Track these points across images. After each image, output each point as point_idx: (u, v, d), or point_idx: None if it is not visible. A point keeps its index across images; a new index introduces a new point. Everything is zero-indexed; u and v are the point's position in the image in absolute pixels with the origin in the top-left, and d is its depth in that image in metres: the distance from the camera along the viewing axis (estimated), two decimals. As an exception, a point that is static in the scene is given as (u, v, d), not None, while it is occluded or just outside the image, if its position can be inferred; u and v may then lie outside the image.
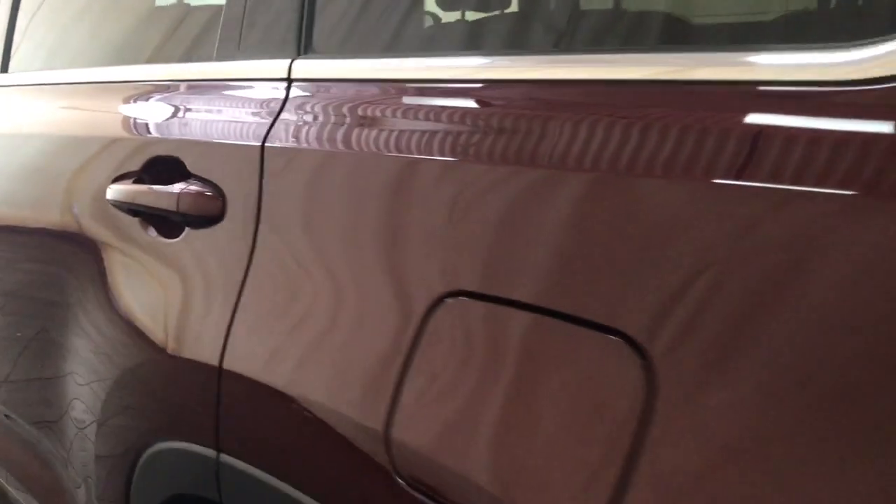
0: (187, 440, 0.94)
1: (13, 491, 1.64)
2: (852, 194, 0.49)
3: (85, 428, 1.15)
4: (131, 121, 1.17)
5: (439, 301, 0.68)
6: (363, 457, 0.71)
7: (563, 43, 0.79)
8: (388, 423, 0.69)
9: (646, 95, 0.63)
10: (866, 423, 0.47)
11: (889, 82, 0.50)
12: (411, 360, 0.69)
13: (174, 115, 1.06)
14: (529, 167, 0.65)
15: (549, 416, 0.59)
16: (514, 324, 0.64)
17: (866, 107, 0.51)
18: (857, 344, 0.48)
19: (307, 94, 0.89)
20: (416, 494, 0.67)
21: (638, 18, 0.81)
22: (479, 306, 0.66)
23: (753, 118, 0.56)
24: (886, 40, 0.51)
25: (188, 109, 1.05)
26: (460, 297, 0.67)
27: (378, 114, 0.81)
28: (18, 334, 1.39)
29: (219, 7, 1.07)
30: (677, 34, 0.75)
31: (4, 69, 1.61)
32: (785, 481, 0.49)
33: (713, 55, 0.62)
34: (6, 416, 1.47)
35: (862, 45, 0.52)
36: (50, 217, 1.28)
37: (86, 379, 1.14)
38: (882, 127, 0.51)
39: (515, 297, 0.63)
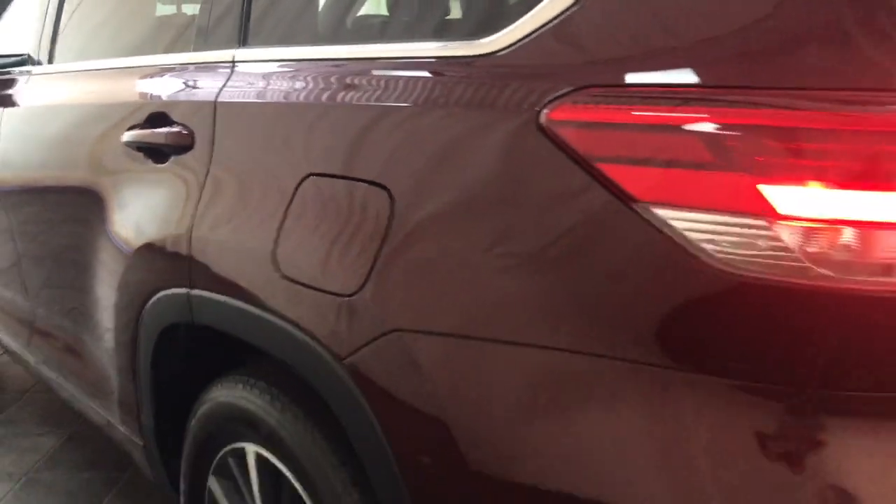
0: (172, 287, 1.51)
1: (59, 380, 2.23)
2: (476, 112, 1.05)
3: (107, 297, 1.73)
4: (137, 92, 1.75)
5: (304, 179, 1.25)
6: (256, 264, 1.28)
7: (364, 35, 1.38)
8: (275, 247, 1.27)
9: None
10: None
11: (495, 55, 1.06)
12: (287, 216, 1.26)
13: (165, 86, 1.64)
14: (338, 103, 1.23)
15: (330, 227, 1.17)
16: (333, 187, 1.21)
17: (483, 65, 1.07)
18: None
19: (242, 71, 1.46)
20: (290, 283, 1.24)
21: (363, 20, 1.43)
22: (321, 180, 1.23)
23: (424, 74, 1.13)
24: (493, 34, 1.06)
25: (173, 82, 1.63)
26: (312, 177, 1.24)
27: (276, 82, 1.38)
28: (55, 248, 1.99)
29: (195, 16, 1.65)
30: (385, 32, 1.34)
31: (51, 60, 2.21)
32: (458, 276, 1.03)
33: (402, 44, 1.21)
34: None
35: (482, 37, 1.08)
36: (82, 160, 1.86)
37: (108, 264, 1.72)
38: (486, 73, 1.06)
39: (334, 171, 1.20)
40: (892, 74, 0.80)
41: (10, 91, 2.33)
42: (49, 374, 2.30)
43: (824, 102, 0.81)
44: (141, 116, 1.63)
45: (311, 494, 1.32)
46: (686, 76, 0.90)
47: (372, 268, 1.12)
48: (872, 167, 0.79)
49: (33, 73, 2.26)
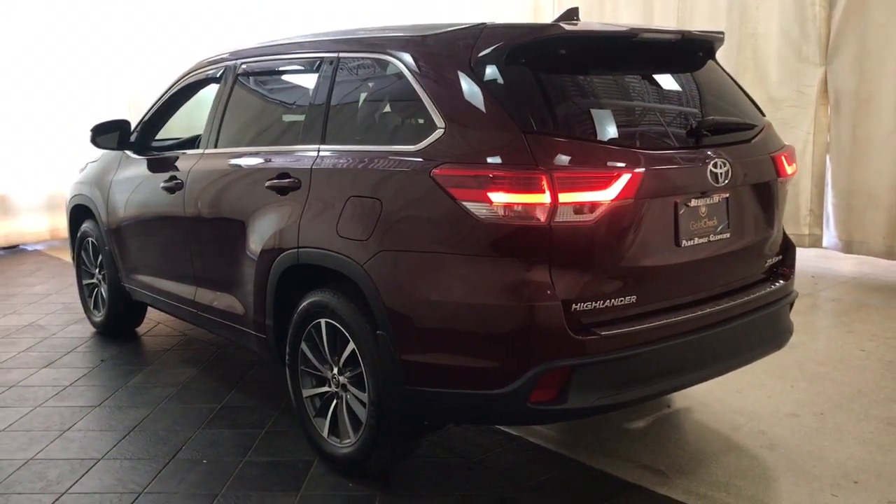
0: (289, 249, 3.38)
1: (212, 318, 4.11)
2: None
3: (254, 260, 3.61)
4: (274, 162, 3.65)
5: (348, 199, 3.13)
6: (327, 233, 3.17)
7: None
8: (336, 225, 3.15)
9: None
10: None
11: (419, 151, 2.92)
12: (342, 213, 3.14)
13: (287, 159, 3.55)
14: (359, 168, 3.14)
15: (358, 216, 3.05)
16: (359, 200, 3.09)
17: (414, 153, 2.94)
18: None
19: (322, 154, 3.37)
20: (342, 238, 3.11)
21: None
22: (354, 198, 3.11)
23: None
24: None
25: (291, 157, 3.54)
26: (351, 198, 3.12)
27: (336, 160, 3.29)
28: (221, 246, 3.89)
29: (301, 122, 3.59)
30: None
31: (217, 145, 4.14)
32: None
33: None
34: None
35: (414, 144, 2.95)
36: (242, 198, 3.78)
37: (256, 245, 3.60)
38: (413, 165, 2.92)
39: (359, 194, 3.08)
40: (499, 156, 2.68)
41: (192, 161, 4.27)
42: (206, 316, 4.17)
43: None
44: (274, 174, 3.53)
45: (349, 331, 3.15)
46: (475, 159, 2.77)
47: (373, 230, 2.97)
48: (504, 187, 2.66)
49: (206, 152, 4.19)
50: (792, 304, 3.55)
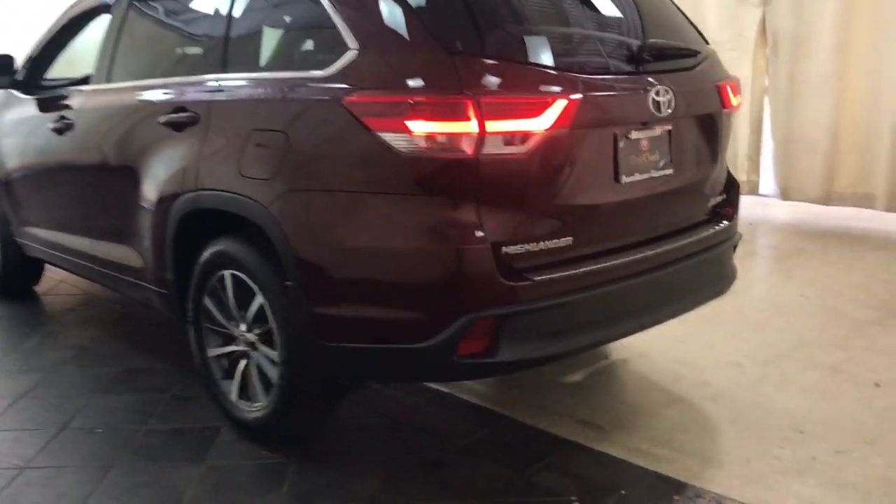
0: (188, 192, 3.00)
1: (109, 274, 3.71)
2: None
3: (150, 207, 3.21)
4: (168, 95, 3.24)
5: (250, 132, 2.76)
6: (229, 172, 2.79)
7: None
8: (239, 163, 2.78)
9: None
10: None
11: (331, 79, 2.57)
12: (244, 149, 2.77)
13: (183, 92, 3.14)
14: (264, 98, 2.76)
15: (262, 152, 2.69)
16: (263, 134, 2.73)
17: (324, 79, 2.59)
18: None
19: (223, 85, 2.98)
20: (245, 178, 2.75)
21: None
22: (257, 132, 2.74)
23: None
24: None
25: (188, 90, 3.13)
26: (254, 131, 2.75)
27: (237, 91, 2.90)
28: (114, 189, 3.48)
29: (198, 53, 3.17)
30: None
31: (109, 80, 3.70)
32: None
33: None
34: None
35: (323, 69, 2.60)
36: (135, 135, 3.36)
37: (152, 188, 3.21)
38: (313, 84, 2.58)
39: (263, 127, 2.72)
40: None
41: (82, 98, 3.81)
42: (103, 271, 3.76)
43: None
44: (169, 108, 3.13)
45: (257, 283, 2.81)
46: (392, 83, 2.43)
47: (279, 168, 2.62)
48: (426, 115, 2.34)
49: (97, 88, 3.75)
50: (735, 247, 3.34)
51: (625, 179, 2.71)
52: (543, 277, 2.49)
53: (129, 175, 3.36)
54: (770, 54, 6.56)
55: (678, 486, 2.68)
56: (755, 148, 6.77)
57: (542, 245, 2.52)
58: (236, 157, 2.79)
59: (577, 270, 2.56)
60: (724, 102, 3.09)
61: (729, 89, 3.11)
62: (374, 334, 2.54)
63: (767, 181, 6.83)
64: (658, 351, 3.80)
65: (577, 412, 3.22)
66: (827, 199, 6.36)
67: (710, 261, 3.09)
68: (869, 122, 6.10)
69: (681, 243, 2.94)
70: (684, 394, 3.41)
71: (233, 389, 3.07)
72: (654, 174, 2.82)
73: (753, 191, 6.80)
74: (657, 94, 2.73)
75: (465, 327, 2.41)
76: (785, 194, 6.63)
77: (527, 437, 3.04)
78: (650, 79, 2.75)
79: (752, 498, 2.61)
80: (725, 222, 3.21)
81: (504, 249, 2.45)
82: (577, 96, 2.50)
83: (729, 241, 3.22)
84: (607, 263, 2.66)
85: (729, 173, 3.34)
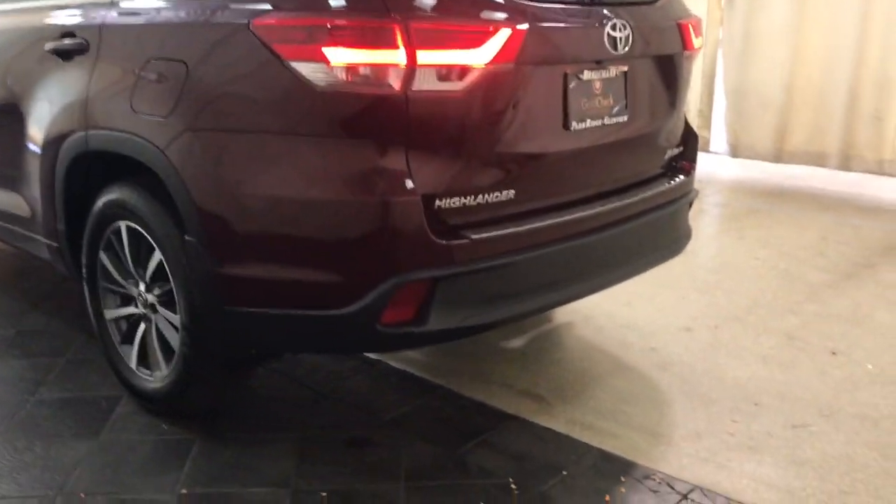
0: (77, 132, 2.60)
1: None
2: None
3: (37, 148, 2.80)
4: (56, 20, 2.81)
5: (147, 61, 2.37)
6: (121, 108, 2.40)
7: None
8: (131, 97, 2.38)
9: None
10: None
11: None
12: (137, 80, 2.38)
13: (72, 17, 2.72)
14: (163, 22, 2.36)
15: (157, 84, 2.30)
16: (160, 63, 2.33)
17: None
18: None
19: (116, 9, 2.56)
20: (138, 114, 2.36)
21: None
22: (154, 61, 2.35)
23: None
24: None
25: (77, 14, 2.70)
26: (151, 60, 2.36)
27: (131, 17, 2.49)
28: None
29: None
30: None
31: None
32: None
33: None
34: None
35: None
36: (18, 63, 2.93)
37: (37, 126, 2.79)
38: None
39: (160, 56, 2.33)
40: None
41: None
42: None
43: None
44: (56, 33, 2.71)
45: (154, 237, 2.44)
46: (307, 5, 2.07)
47: (176, 103, 2.25)
48: (346, 41, 1.99)
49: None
50: (691, 205, 3.08)
51: (575, 126, 2.40)
52: (482, 235, 2.19)
53: (13, 112, 2.94)
54: (725, 5, 6.30)
55: (625, 466, 2.43)
56: (707, 103, 6.54)
57: (480, 199, 2.21)
58: (129, 91, 2.40)
59: (520, 228, 2.27)
60: (685, 43, 2.79)
61: (691, 29, 2.82)
62: (286, 299, 2.21)
63: (717, 138, 6.62)
64: (604, 314, 3.55)
65: (517, 382, 2.95)
66: (778, 157, 6.18)
67: (666, 219, 2.83)
68: (824, 79, 5.90)
69: (635, 199, 2.66)
70: (632, 361, 3.17)
71: (132, 356, 2.72)
72: (608, 121, 2.52)
73: (704, 147, 6.58)
74: (613, 28, 2.42)
75: (390, 292, 2.10)
76: (735, 151, 6.43)
77: (461, 409, 2.76)
78: (606, 11, 2.43)
79: (703, 479, 2.38)
80: (682, 177, 2.94)
81: (437, 203, 2.14)
82: (524, 26, 2.17)
83: (685, 197, 2.96)
84: (554, 220, 2.37)
85: (687, 124, 3.07)
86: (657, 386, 2.98)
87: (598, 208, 2.52)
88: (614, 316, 3.56)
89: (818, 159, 6.06)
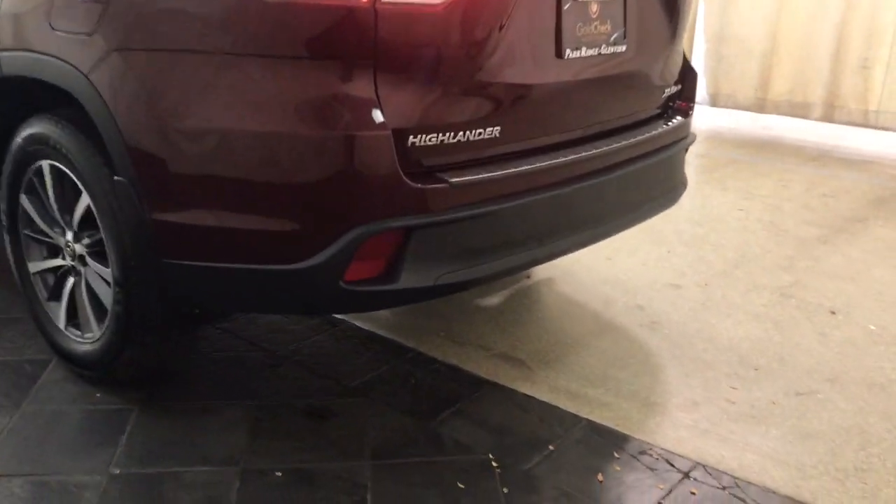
0: None
1: None
2: None
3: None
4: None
5: None
6: (38, 26, 2.02)
7: None
8: (49, 11, 2.00)
9: None
10: None
11: None
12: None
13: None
14: None
15: None
16: None
17: None
18: None
19: None
20: (57, 32, 1.99)
21: None
22: None
23: None
24: None
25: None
26: None
27: None
28: None
29: None
30: None
31: None
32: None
33: None
34: None
35: None
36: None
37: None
38: None
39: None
40: None
41: None
42: None
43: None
44: None
45: (80, 178, 2.10)
46: None
47: (101, 17, 1.89)
48: None
49: None
50: (687, 150, 2.80)
51: (569, 54, 2.09)
52: (463, 179, 1.88)
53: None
54: (709, -56, 5.98)
55: (617, 440, 2.18)
56: (688, 47, 6.24)
57: (461, 136, 1.91)
58: (45, 5, 2.03)
59: (506, 172, 1.96)
60: (689, -34, 2.48)
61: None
62: (233, 251, 1.89)
63: (700, 86, 6.34)
64: (585, 269, 3.29)
65: (495, 344, 2.68)
66: (760, 107, 5.94)
67: (663, 165, 2.55)
68: (811, 26, 5.63)
69: (630, 142, 2.37)
70: (617, 320, 2.91)
71: (60, 315, 2.39)
72: (604, 50, 2.21)
73: (682, 95, 6.30)
74: (614, -58, 2.10)
75: (355, 243, 1.79)
76: (714, 100, 6.17)
77: (434, 375, 2.48)
78: (606, -78, 2.11)
79: (705, 454, 2.14)
80: (680, 118, 2.66)
81: (411, 140, 1.82)
82: (515, -68, 1.85)
83: (684, 140, 2.68)
84: (544, 164, 2.07)
85: (685, 60, 2.76)
86: (647, 348, 2.73)
87: (591, 151, 2.23)
88: (596, 271, 3.30)
89: (801, 110, 5.83)
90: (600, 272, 3.30)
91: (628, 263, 3.40)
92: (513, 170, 1.98)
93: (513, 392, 2.40)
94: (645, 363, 2.63)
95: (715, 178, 4.86)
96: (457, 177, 1.88)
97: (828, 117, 5.73)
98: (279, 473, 2.00)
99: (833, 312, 3.01)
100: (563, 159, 2.14)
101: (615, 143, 2.32)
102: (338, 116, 1.76)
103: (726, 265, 3.44)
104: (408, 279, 1.85)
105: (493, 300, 3.02)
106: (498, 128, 1.97)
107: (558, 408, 2.32)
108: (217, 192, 1.88)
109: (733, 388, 2.48)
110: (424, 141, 1.84)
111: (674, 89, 2.66)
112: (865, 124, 5.62)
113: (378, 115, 1.76)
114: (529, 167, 2.04)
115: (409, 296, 1.93)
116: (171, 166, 1.89)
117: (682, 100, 2.71)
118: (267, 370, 2.48)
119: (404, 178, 1.79)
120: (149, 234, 1.97)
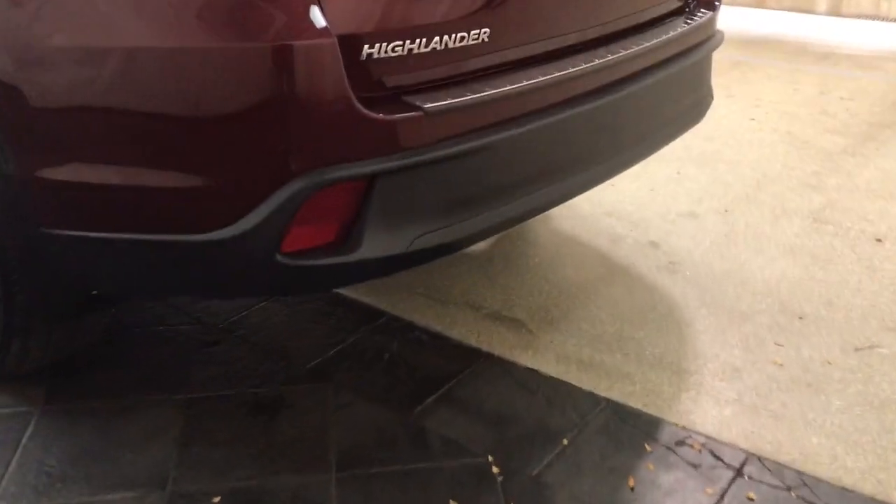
0: None
1: None
2: None
3: None
4: None
5: None
6: None
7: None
8: None
9: None
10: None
11: None
12: None
13: None
14: None
15: None
16: None
17: None
18: None
19: None
20: None
21: None
22: None
23: None
24: None
25: None
26: None
27: None
28: None
29: None
30: None
31: None
32: None
33: None
34: None
35: None
36: None
37: None
38: None
39: None
40: None
41: None
42: None
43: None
44: None
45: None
46: None
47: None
48: None
49: None
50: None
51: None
52: (442, 104, 1.36)
53: None
54: None
55: (646, 426, 1.74)
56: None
57: (437, 43, 1.37)
58: None
59: (500, 90, 1.44)
60: None
61: None
62: (129, 216, 1.37)
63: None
64: (584, 199, 2.80)
65: (486, 302, 2.21)
66: (761, 2, 5.37)
67: (688, 72, 2.03)
68: None
69: (649, 44, 1.84)
70: (629, 262, 2.44)
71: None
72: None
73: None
74: None
75: (294, 201, 1.27)
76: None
77: (413, 347, 2.01)
78: None
79: (758, 441, 1.70)
80: (705, 12, 2.12)
81: (366, 50, 1.29)
82: None
83: (710, 41, 2.15)
84: (547, 77, 1.54)
85: (709, -64, 2.21)
86: (668, 296, 2.27)
87: (604, 58, 1.70)
88: (597, 201, 2.81)
89: (805, 3, 5.27)
90: (602, 201, 2.81)
91: (634, 189, 2.92)
92: (507, 88, 1.46)
93: (512, 365, 1.93)
94: (668, 317, 2.17)
95: (719, 83, 4.30)
96: (433, 101, 1.36)
97: (835, 11, 5.19)
98: (217, 499, 1.53)
99: (879, 240, 2.56)
100: (568, 71, 1.61)
101: (630, 48, 1.80)
102: (257, 20, 1.22)
103: (746, 187, 2.97)
104: (372, 246, 1.34)
105: (480, 244, 2.53)
106: (486, 29, 1.43)
107: (570, 384, 1.87)
108: (105, 137, 1.35)
109: (778, 345, 2.03)
110: (386, 51, 1.31)
111: (698, -26, 2.12)
112: (878, 17, 5.09)
113: (317, 16, 1.22)
114: (527, 84, 1.51)
115: (374, 268, 1.41)
116: (42, 103, 1.35)
117: (708, -12, 2.17)
118: (203, 350, 1.98)
119: (359, 105, 1.27)
120: (19, 195, 1.44)
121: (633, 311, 2.17)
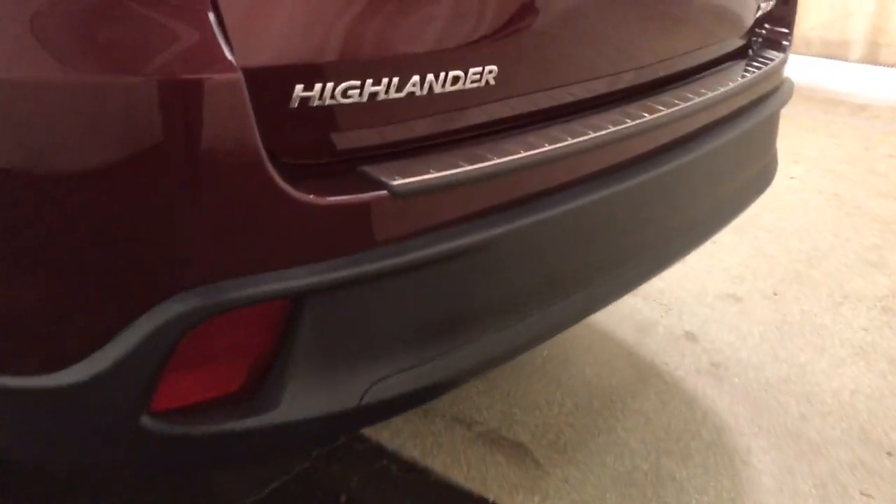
0: None
1: None
2: None
3: None
4: None
5: None
6: None
7: None
8: None
9: None
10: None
11: None
12: None
13: None
14: None
15: None
16: None
17: None
18: None
19: None
20: None
21: None
22: None
23: None
24: None
25: None
26: None
27: None
28: None
29: None
30: None
31: None
32: None
33: None
34: None
35: None
36: None
37: None
38: None
39: None
40: None
41: None
42: None
43: None
44: None
45: None
46: None
47: None
48: None
49: None
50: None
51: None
52: (418, 180, 0.86)
53: None
54: None
55: None
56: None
57: (414, 84, 0.88)
58: None
59: (509, 157, 0.95)
60: None
61: None
62: None
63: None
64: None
65: (480, 413, 1.70)
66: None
67: (755, 132, 1.54)
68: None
69: (710, 95, 1.36)
70: (661, 360, 1.94)
71: None
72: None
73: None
74: None
75: (166, 333, 0.77)
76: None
77: (381, 484, 1.50)
78: None
79: None
80: (774, 55, 1.65)
81: (299, 92, 0.80)
82: None
83: (779, 92, 1.67)
84: (573, 140, 1.05)
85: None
86: (714, 414, 1.76)
87: (654, 112, 1.22)
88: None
89: (839, 49, 4.84)
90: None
91: (660, 261, 2.42)
92: (521, 155, 0.97)
93: (514, 519, 1.43)
94: (716, 446, 1.66)
95: (749, 134, 3.87)
96: (405, 174, 0.86)
97: (870, 58, 4.76)
98: None
99: (971, 341, 2.07)
100: (608, 130, 1.12)
101: (686, 100, 1.31)
102: (111, 38, 0.73)
103: (795, 262, 2.48)
104: (299, 400, 0.84)
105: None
106: (492, 68, 0.95)
107: (590, 553, 1.36)
108: None
109: (866, 495, 1.52)
110: (333, 95, 0.83)
111: (766, 4, 1.64)
112: (919, 65, 4.66)
113: (210, 35, 0.74)
114: (549, 149, 1.02)
115: (306, 434, 0.90)
116: None
117: (777, 24, 1.70)
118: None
119: (279, 180, 0.78)
120: None
121: (671, 437, 1.66)
